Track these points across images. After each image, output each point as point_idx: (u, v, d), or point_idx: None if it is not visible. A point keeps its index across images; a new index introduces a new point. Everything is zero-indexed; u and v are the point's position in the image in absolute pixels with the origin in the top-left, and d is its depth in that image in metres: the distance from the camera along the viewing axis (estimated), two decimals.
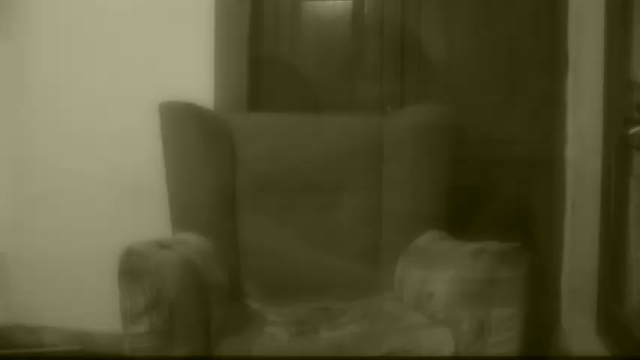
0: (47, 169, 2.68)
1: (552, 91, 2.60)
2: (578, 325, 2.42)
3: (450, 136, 2.10)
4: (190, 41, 2.57)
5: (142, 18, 2.60)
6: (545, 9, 2.60)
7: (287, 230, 2.09)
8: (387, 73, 2.70)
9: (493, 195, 2.59)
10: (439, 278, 1.69)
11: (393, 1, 2.69)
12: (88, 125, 2.65)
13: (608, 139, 2.03)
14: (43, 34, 2.67)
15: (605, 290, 2.02)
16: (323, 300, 1.95)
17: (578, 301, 2.42)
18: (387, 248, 2.08)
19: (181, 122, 2.06)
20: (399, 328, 1.67)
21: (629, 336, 1.83)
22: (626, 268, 1.95)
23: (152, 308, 1.46)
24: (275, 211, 2.11)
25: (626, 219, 1.96)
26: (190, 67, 2.57)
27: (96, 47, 2.64)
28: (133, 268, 1.47)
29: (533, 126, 2.64)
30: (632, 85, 1.93)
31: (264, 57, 2.77)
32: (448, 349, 1.55)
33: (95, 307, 2.50)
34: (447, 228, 2.04)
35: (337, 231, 2.10)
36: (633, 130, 1.87)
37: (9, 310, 2.69)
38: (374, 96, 2.72)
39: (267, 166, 2.13)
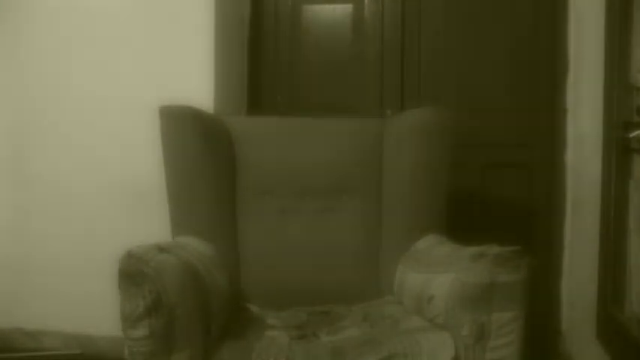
0: (46, 173, 2.69)
1: (552, 94, 2.61)
2: (578, 329, 2.42)
3: (449, 139, 2.09)
4: (191, 44, 2.57)
5: (142, 21, 2.61)
6: (546, 12, 2.61)
7: (287, 234, 2.09)
8: (387, 76, 2.71)
9: (493, 198, 2.59)
10: (439, 282, 1.69)
11: (393, 5, 2.70)
12: (87, 128, 2.65)
13: (608, 142, 2.03)
14: (42, 35, 2.68)
15: (605, 294, 2.01)
16: (323, 304, 1.95)
17: (578, 305, 2.42)
18: (387, 252, 2.08)
19: (181, 126, 2.06)
20: (399, 331, 1.67)
21: (629, 340, 1.82)
22: (626, 272, 1.94)
23: (152, 312, 1.45)
24: (275, 215, 2.11)
25: (626, 223, 1.95)
26: (191, 70, 2.57)
27: (96, 50, 2.64)
28: (132, 272, 1.47)
29: (532, 129, 2.64)
30: (632, 88, 1.92)
31: (264, 60, 2.78)
32: (448, 353, 1.55)
33: (95, 310, 2.50)
34: (447, 231, 2.04)
35: (337, 234, 2.10)
36: (633, 134, 1.87)
37: (9, 314, 2.69)
38: (374, 99, 2.72)
39: (267, 169, 2.13)
